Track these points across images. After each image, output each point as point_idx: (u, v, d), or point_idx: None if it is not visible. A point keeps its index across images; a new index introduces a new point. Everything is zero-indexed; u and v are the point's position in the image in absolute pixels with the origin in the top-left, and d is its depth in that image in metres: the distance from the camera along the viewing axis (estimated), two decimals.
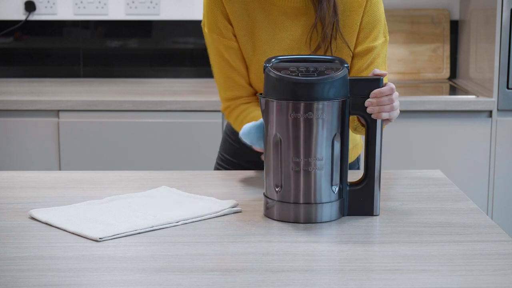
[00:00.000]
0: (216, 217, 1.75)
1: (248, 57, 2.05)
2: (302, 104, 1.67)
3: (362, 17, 2.01)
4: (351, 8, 2.00)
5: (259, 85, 2.06)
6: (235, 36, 2.03)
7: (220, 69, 2.07)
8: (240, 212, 1.79)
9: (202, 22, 2.07)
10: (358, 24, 2.01)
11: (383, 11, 2.05)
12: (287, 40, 2.02)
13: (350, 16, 2.00)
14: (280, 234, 1.65)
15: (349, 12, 2.00)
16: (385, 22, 2.06)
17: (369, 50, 2.02)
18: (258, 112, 1.99)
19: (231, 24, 2.02)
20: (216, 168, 2.28)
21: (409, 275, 1.43)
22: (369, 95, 1.73)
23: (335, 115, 1.70)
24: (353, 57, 2.03)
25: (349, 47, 2.01)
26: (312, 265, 1.50)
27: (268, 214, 1.76)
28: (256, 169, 2.13)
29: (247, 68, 2.07)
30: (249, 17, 2.01)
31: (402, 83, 3.74)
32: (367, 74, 2.01)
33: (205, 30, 2.06)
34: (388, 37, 2.06)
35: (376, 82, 1.73)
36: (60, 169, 3.30)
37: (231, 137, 2.24)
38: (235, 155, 2.23)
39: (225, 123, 2.30)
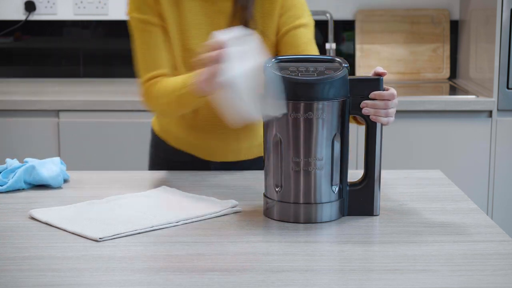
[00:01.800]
0: (216, 217, 1.75)
1: (175, 43, 2.05)
2: (302, 104, 1.67)
3: (283, 3, 2.06)
4: None
5: (185, 72, 2.05)
6: (161, 18, 2.04)
7: (144, 50, 2.05)
8: (240, 212, 1.79)
9: (128, 7, 2.06)
10: (277, 12, 2.05)
11: (304, 1, 2.10)
12: (211, 25, 2.04)
13: (268, 5, 2.05)
14: (280, 234, 1.65)
15: (267, 1, 2.05)
16: (309, 11, 2.10)
17: (295, 27, 2.05)
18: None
19: (159, 5, 2.03)
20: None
21: (409, 275, 1.43)
22: (368, 95, 1.73)
23: (335, 115, 1.70)
24: (279, 40, 2.07)
25: (267, 36, 2.05)
26: (312, 265, 1.50)
27: (268, 214, 1.76)
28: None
29: (172, 53, 2.07)
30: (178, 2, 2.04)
31: (402, 83, 3.74)
32: (305, 43, 2.05)
33: (131, 13, 2.05)
34: (313, 20, 2.10)
35: (376, 82, 1.73)
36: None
37: (152, 148, 2.28)
38: (154, 167, 2.27)
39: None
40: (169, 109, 2.02)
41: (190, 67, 2.02)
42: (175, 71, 2.06)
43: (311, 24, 2.10)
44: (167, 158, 2.23)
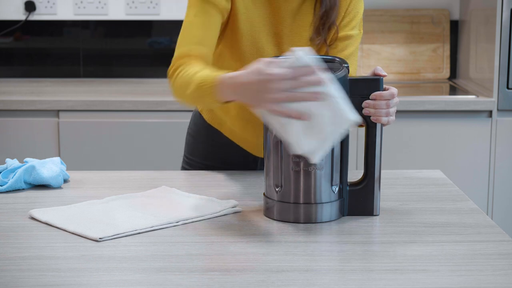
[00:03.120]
0: (216, 217, 1.75)
1: (245, 34, 2.00)
2: None
3: (349, 4, 2.05)
4: None
5: (245, 62, 1.95)
6: (226, 12, 1.97)
7: (193, 24, 1.94)
8: (240, 212, 1.79)
9: None
10: (343, 14, 2.05)
11: (363, 6, 2.09)
12: (285, 24, 2.02)
13: (341, 3, 2.04)
14: (280, 234, 1.65)
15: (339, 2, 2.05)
16: (361, 22, 2.10)
17: (346, 38, 2.05)
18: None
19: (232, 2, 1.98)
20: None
21: (409, 275, 1.43)
22: (368, 95, 1.73)
23: None
24: (333, 40, 2.05)
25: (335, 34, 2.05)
26: (312, 265, 1.50)
27: (268, 214, 1.76)
28: (225, 168, 2.14)
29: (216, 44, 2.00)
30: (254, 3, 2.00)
31: (402, 83, 3.74)
32: (345, 57, 2.03)
33: None
34: (362, 30, 2.10)
35: (376, 82, 1.73)
36: None
37: (196, 137, 2.23)
38: (206, 158, 2.21)
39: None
40: (188, 102, 1.89)
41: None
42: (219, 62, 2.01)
43: (359, 36, 2.08)
44: (218, 150, 2.18)
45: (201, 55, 1.92)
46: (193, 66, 1.86)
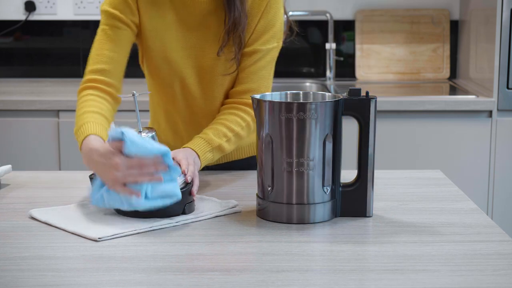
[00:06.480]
0: (216, 217, 1.75)
1: (156, 50, 2.05)
2: (295, 105, 1.67)
3: (259, 20, 2.02)
4: (252, 12, 2.01)
5: (160, 77, 2.11)
6: (136, 26, 2.03)
7: (102, 41, 2.02)
8: (240, 212, 1.79)
9: (104, 2, 2.04)
10: (254, 27, 2.02)
11: (282, 15, 2.05)
12: (193, 39, 2.03)
13: (250, 19, 2.01)
14: (280, 234, 1.65)
15: (249, 15, 2.01)
16: (282, 28, 2.06)
17: (255, 52, 2.03)
18: (93, 115, 1.98)
19: (139, 13, 2.02)
20: None
21: (409, 275, 1.43)
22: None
23: (328, 115, 1.69)
24: (241, 54, 2.04)
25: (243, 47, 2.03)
26: (312, 265, 1.50)
27: (260, 214, 1.75)
28: None
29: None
30: (159, 12, 2.02)
31: (402, 83, 3.74)
32: (250, 72, 2.03)
33: (105, 7, 2.02)
34: (281, 42, 2.06)
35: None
36: (60, 169, 3.30)
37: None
38: None
39: None
40: None
41: (164, 76, 2.08)
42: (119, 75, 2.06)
43: (273, 51, 2.04)
44: None
45: (106, 82, 2.02)
46: (91, 101, 1.99)
